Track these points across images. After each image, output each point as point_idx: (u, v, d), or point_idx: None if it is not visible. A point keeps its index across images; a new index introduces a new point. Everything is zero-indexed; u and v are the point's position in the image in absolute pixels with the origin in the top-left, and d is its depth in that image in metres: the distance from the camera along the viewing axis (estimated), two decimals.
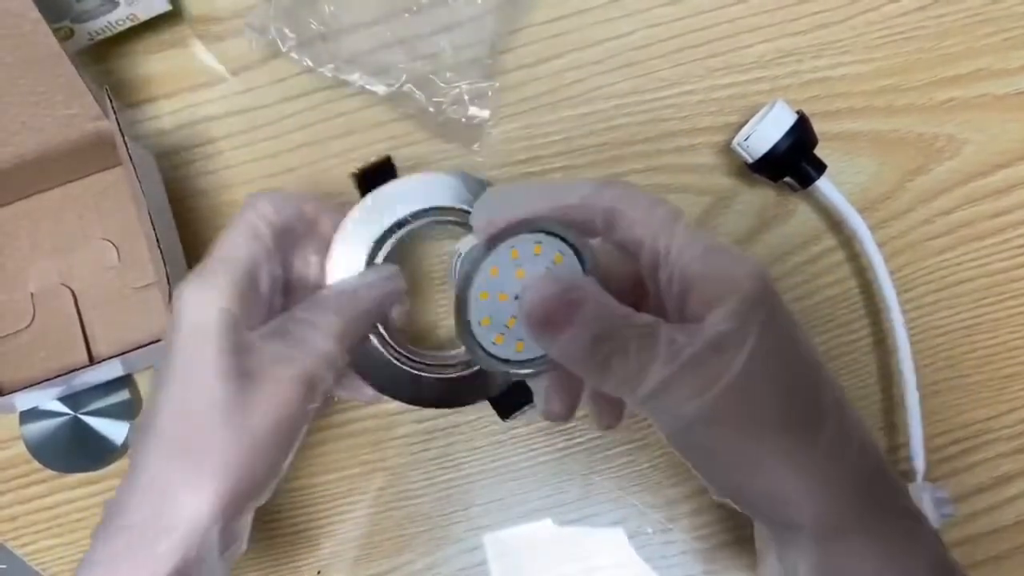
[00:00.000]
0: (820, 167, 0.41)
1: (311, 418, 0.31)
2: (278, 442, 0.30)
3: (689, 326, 0.26)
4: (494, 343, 0.28)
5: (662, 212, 0.27)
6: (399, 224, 0.35)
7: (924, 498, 0.39)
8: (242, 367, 0.29)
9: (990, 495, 0.43)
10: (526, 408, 0.32)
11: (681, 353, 0.25)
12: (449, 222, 0.35)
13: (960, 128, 0.44)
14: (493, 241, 0.28)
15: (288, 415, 0.29)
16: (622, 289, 0.29)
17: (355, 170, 0.35)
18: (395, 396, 0.34)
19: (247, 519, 0.31)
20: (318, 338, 0.30)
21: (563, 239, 0.28)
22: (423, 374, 0.34)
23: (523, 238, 0.28)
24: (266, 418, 0.29)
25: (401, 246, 0.36)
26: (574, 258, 0.28)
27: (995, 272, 0.44)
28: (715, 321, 0.25)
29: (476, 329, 0.28)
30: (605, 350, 0.26)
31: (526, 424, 0.43)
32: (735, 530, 0.42)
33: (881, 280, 0.41)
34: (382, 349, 0.34)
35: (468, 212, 0.33)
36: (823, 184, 0.41)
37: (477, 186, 0.35)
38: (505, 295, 0.28)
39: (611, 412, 0.32)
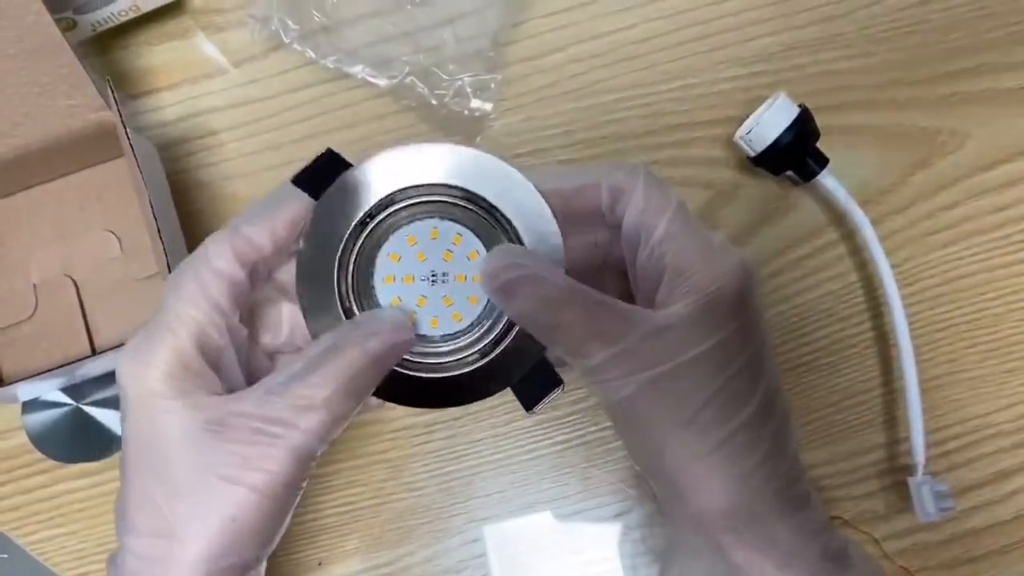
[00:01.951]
0: (822, 161, 0.41)
1: (306, 481, 0.29)
2: (284, 513, 0.28)
3: (643, 311, 0.27)
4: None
5: (656, 194, 0.28)
6: (361, 225, 0.29)
7: (924, 492, 0.39)
8: (230, 448, 0.27)
9: (990, 490, 0.43)
10: (554, 394, 0.29)
11: (622, 339, 0.26)
12: (431, 203, 0.30)
13: (963, 122, 0.44)
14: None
15: (283, 493, 0.27)
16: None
17: (293, 176, 0.29)
18: (398, 400, 0.30)
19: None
20: (304, 412, 0.26)
21: (458, 222, 0.29)
22: (425, 375, 0.30)
23: (417, 225, 0.29)
24: (261, 500, 0.27)
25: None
26: (474, 238, 0.29)
27: (997, 267, 0.43)
28: (672, 313, 0.26)
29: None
30: (552, 323, 0.27)
31: (526, 417, 0.43)
32: None
33: (883, 274, 0.41)
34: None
35: (452, 188, 0.29)
36: (825, 178, 0.41)
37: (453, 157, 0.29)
38: (411, 277, 0.29)
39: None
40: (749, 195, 0.44)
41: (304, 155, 0.42)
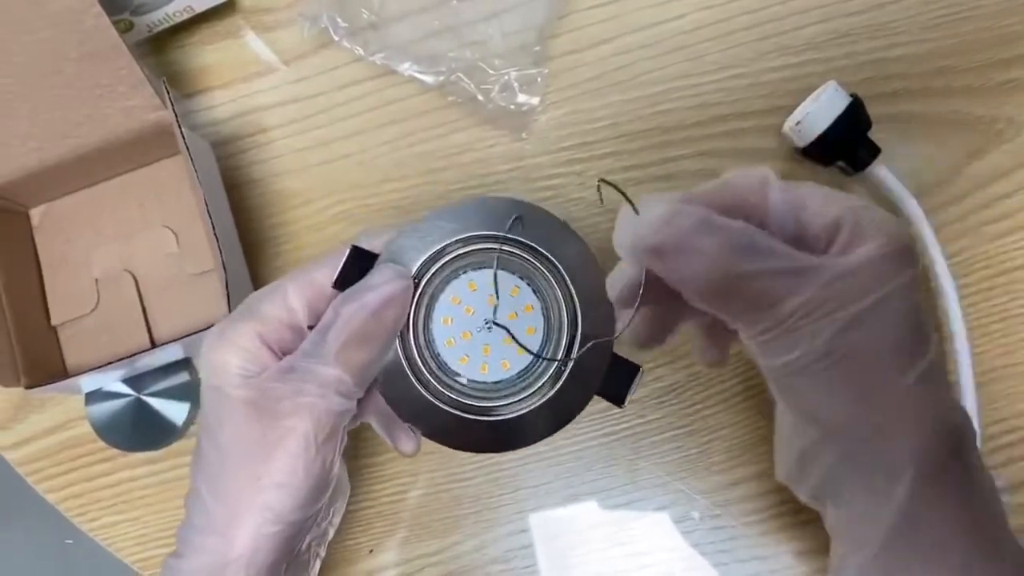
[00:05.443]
0: (874, 151, 0.41)
1: (341, 442, 0.31)
2: (309, 474, 0.30)
3: (817, 258, 0.27)
4: (459, 362, 0.31)
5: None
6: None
7: None
8: (259, 414, 0.29)
9: None
10: (638, 379, 0.31)
11: (815, 280, 0.26)
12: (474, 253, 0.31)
13: (1019, 110, 0.43)
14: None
15: (305, 451, 0.29)
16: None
17: (332, 282, 0.31)
18: (461, 447, 0.32)
19: (316, 530, 0.34)
20: (319, 365, 0.29)
21: (514, 274, 0.31)
22: (489, 418, 0.31)
23: (483, 273, 0.31)
24: (287, 458, 0.29)
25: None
26: (528, 289, 0.31)
27: None
28: (864, 253, 0.26)
29: (443, 350, 0.31)
30: (735, 272, 0.26)
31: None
32: (784, 516, 0.42)
33: (937, 266, 0.40)
34: (430, 397, 0.31)
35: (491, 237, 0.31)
36: (877, 168, 0.41)
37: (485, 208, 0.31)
38: (468, 333, 0.31)
39: (717, 347, 0.32)
40: None
41: (354, 151, 0.45)
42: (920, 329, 0.27)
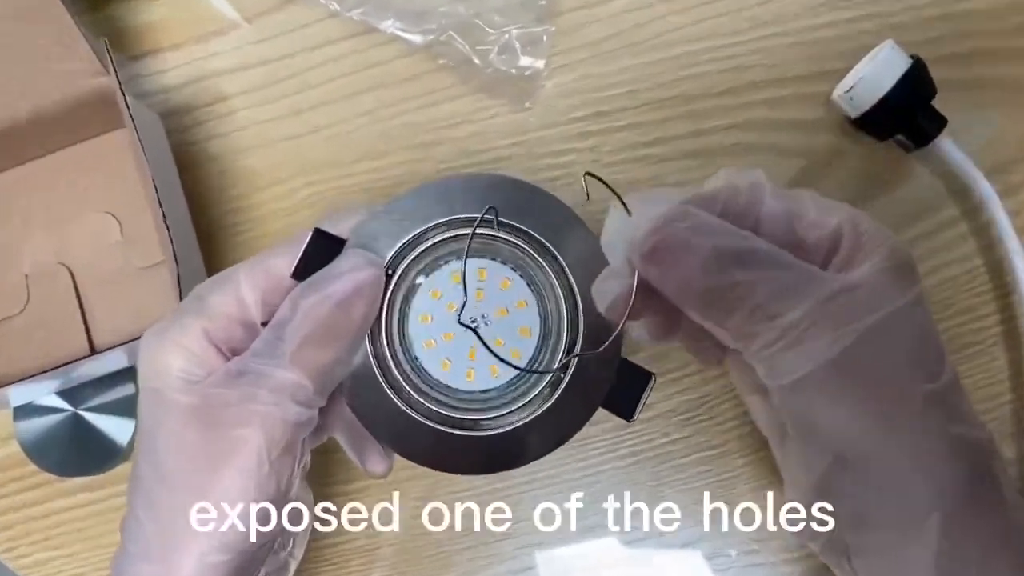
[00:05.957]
0: (939, 122, 0.38)
1: (301, 458, 0.30)
2: (263, 494, 0.28)
3: (823, 272, 0.27)
4: (440, 367, 0.30)
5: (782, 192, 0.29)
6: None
7: None
8: (203, 424, 0.28)
9: None
10: (649, 389, 0.30)
11: (818, 293, 0.25)
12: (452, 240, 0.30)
13: None
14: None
15: (257, 467, 0.28)
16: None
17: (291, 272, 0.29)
18: (441, 467, 0.30)
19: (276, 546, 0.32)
20: (273, 368, 0.27)
21: (505, 263, 0.30)
22: (475, 433, 0.29)
23: (470, 262, 0.30)
24: (235, 475, 0.27)
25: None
26: (521, 282, 0.30)
27: None
28: (868, 270, 0.26)
29: (421, 353, 0.30)
30: (736, 281, 0.26)
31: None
32: None
33: (1013, 256, 0.38)
34: (404, 408, 0.29)
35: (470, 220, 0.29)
36: (943, 142, 0.38)
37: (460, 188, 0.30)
38: (451, 333, 0.30)
39: (714, 348, 0.31)
40: (850, 164, 0.41)
41: (328, 122, 0.42)
42: (935, 348, 0.27)
